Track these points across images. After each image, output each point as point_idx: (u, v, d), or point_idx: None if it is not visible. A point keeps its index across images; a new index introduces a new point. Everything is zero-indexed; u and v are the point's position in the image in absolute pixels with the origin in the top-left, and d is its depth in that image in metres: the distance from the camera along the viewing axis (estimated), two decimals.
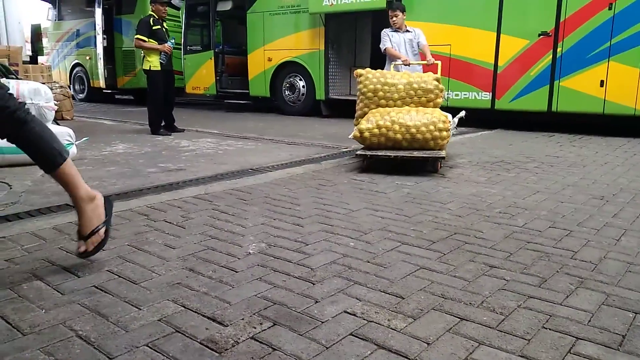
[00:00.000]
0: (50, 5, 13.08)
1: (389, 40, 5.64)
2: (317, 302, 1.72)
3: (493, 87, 7.13)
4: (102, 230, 2.02)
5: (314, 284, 1.87)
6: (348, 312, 1.65)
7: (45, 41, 13.42)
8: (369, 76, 4.55)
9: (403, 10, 5.70)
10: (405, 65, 5.42)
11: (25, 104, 1.95)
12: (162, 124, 6.64)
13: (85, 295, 1.76)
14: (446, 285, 1.87)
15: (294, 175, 3.90)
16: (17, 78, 5.07)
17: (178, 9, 10.46)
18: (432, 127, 4.05)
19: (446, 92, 6.15)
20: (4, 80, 1.95)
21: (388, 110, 4.30)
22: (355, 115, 4.63)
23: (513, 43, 6.89)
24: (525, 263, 2.10)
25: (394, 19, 5.65)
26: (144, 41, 6.40)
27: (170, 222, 2.62)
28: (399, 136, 4.08)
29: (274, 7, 9.19)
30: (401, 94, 4.42)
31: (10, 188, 3.33)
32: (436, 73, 4.74)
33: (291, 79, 9.37)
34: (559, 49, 6.58)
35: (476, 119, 7.91)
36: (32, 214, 2.78)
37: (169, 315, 1.62)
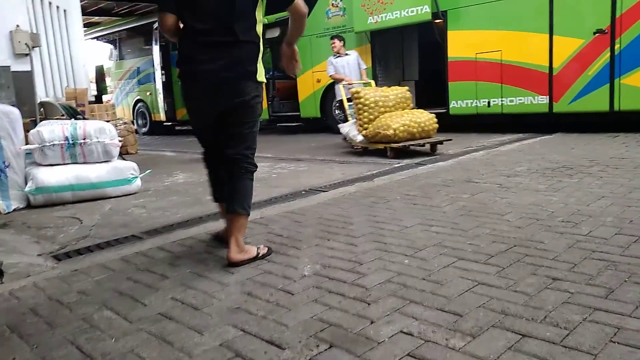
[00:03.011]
0: (111, 46, 13.99)
1: (334, 66, 7.04)
2: (372, 322, 1.72)
3: (550, 90, 6.89)
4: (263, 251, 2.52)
5: (369, 304, 1.87)
6: (404, 332, 1.64)
7: (108, 80, 14.33)
8: (366, 91, 6.15)
9: (340, 39, 7.14)
10: (349, 84, 6.74)
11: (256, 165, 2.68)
12: None
13: (152, 323, 1.85)
14: (506, 300, 1.82)
15: (346, 194, 3.92)
16: (84, 118, 5.44)
17: None
18: (432, 122, 5.97)
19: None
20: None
21: (401, 113, 5.92)
22: (359, 122, 6.08)
23: (567, 44, 6.65)
24: (591, 274, 2.00)
25: (332, 46, 7.11)
26: None
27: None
28: (414, 130, 5.77)
29: (320, 30, 9.37)
30: (393, 102, 6.11)
31: (81, 223, 3.54)
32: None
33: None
34: (616, 46, 6.29)
35: (534, 123, 7.69)
36: (101, 246, 2.96)
37: (229, 340, 1.68)
